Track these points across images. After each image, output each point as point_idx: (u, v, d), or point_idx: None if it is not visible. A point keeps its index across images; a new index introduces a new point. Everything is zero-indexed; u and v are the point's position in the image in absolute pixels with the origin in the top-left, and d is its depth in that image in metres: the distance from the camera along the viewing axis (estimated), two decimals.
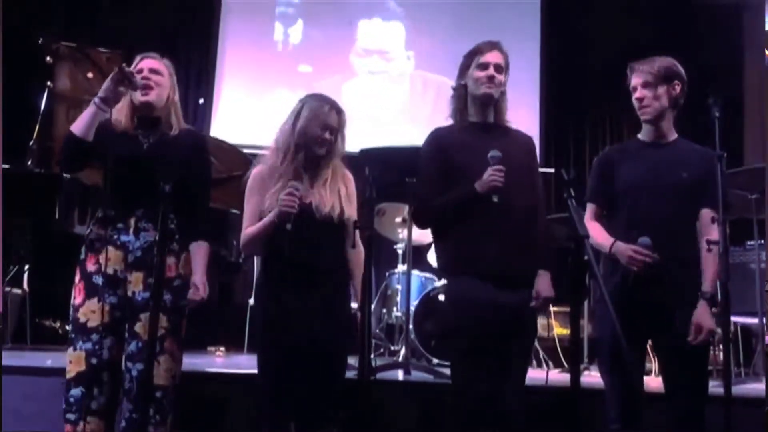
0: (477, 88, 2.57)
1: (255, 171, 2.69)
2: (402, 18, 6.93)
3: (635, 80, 2.65)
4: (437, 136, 2.65)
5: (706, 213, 2.55)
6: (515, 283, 2.48)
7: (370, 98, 6.72)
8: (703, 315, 2.45)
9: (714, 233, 2.47)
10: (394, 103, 6.81)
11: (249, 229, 2.60)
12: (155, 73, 2.57)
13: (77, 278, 2.51)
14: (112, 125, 2.55)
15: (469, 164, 2.47)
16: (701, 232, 2.55)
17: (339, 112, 2.66)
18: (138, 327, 2.44)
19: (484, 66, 2.56)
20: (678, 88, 2.63)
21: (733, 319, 4.33)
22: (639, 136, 2.74)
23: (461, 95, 2.62)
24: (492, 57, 2.58)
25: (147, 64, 2.58)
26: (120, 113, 2.55)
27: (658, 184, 2.57)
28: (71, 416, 2.39)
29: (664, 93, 2.62)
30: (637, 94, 2.65)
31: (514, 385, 2.48)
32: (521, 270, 2.49)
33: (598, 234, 2.61)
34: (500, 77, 2.58)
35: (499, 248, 2.44)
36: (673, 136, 2.69)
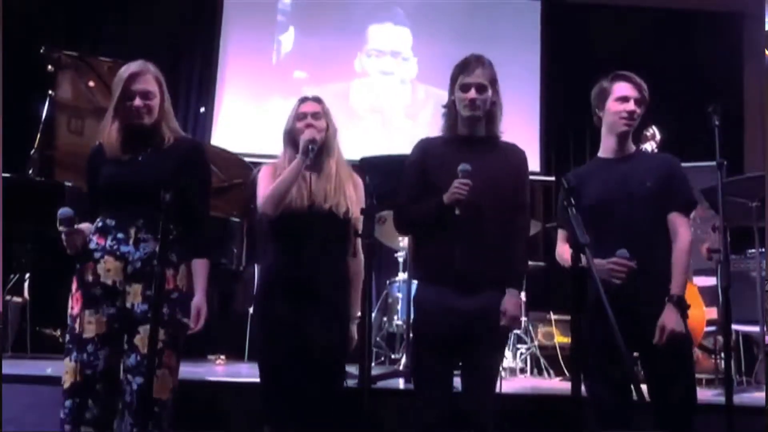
0: (461, 109, 2.57)
1: (264, 168, 2.78)
2: (408, 25, 7.00)
3: (631, 92, 2.64)
4: (421, 146, 2.68)
5: (674, 217, 2.57)
6: (478, 290, 2.48)
7: (375, 99, 6.83)
8: (668, 316, 2.45)
9: (686, 236, 2.52)
10: (399, 105, 6.88)
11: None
12: (147, 97, 2.48)
13: (74, 288, 2.48)
14: (105, 148, 2.53)
15: (442, 176, 2.49)
16: (672, 237, 2.56)
17: (315, 100, 2.76)
18: (137, 340, 2.41)
19: (466, 88, 2.54)
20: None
21: (734, 327, 4.32)
22: (601, 154, 2.75)
23: (451, 111, 2.62)
24: (473, 78, 2.53)
25: (138, 86, 2.47)
26: (112, 143, 2.49)
27: (627, 197, 2.57)
28: (67, 427, 2.38)
29: (642, 112, 2.66)
30: (629, 106, 2.63)
31: (480, 390, 2.48)
32: (486, 278, 2.49)
33: (568, 255, 2.60)
34: (484, 96, 2.54)
35: (462, 258, 2.46)
36: (633, 148, 2.73)
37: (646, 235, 2.55)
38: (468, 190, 2.42)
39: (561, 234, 2.75)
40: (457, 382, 2.56)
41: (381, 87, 6.89)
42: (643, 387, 2.58)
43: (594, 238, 2.55)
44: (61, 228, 2.37)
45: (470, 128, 2.59)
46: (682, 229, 2.55)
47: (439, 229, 2.50)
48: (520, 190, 2.61)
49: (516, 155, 2.65)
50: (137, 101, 2.47)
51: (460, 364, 2.54)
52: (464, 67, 2.57)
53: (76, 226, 2.40)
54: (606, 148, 2.73)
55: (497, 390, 2.61)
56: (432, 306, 2.52)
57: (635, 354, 2.67)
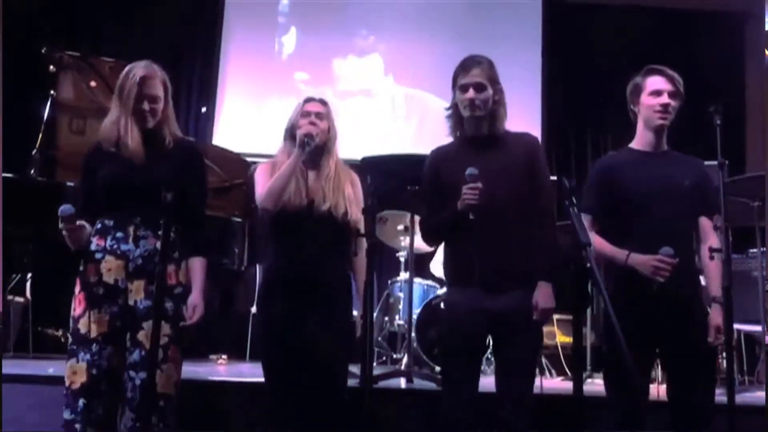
0: (463, 109, 2.58)
1: (261, 165, 2.80)
2: (396, 27, 6.84)
3: (664, 85, 2.63)
4: (433, 156, 2.71)
5: (704, 221, 2.61)
6: (504, 290, 2.48)
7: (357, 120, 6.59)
8: (718, 316, 2.49)
9: (715, 240, 2.52)
10: (380, 123, 6.75)
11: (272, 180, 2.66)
12: (154, 101, 2.51)
13: (77, 289, 2.50)
14: (105, 147, 2.55)
15: (455, 183, 2.50)
16: (701, 239, 2.60)
17: (320, 101, 2.79)
18: (140, 336, 2.43)
19: (464, 88, 2.55)
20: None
21: (736, 326, 4.32)
22: (634, 146, 2.75)
23: (454, 113, 2.63)
24: (471, 77, 2.54)
25: (148, 91, 2.50)
26: (134, 146, 2.51)
27: (665, 193, 2.57)
28: (78, 426, 2.39)
29: (678, 106, 2.65)
30: (663, 100, 2.62)
31: (512, 390, 2.48)
32: (510, 277, 2.50)
33: (604, 246, 2.61)
34: (483, 95, 2.54)
35: (484, 259, 2.47)
36: (666, 146, 2.72)
37: (683, 234, 2.56)
38: (479, 194, 2.42)
39: (585, 219, 2.66)
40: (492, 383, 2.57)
41: (357, 118, 6.63)
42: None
43: (629, 231, 2.56)
44: (62, 225, 2.38)
45: (474, 128, 2.60)
46: (711, 234, 2.59)
47: (459, 235, 2.53)
48: (537, 176, 2.60)
49: (525, 142, 2.65)
50: (145, 105, 2.50)
51: (497, 365, 2.57)
52: (462, 68, 2.59)
53: (77, 222, 2.41)
54: (642, 141, 2.72)
55: (534, 389, 2.60)
56: (459, 308, 2.54)
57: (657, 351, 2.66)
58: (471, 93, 2.53)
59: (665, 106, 2.62)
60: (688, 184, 2.58)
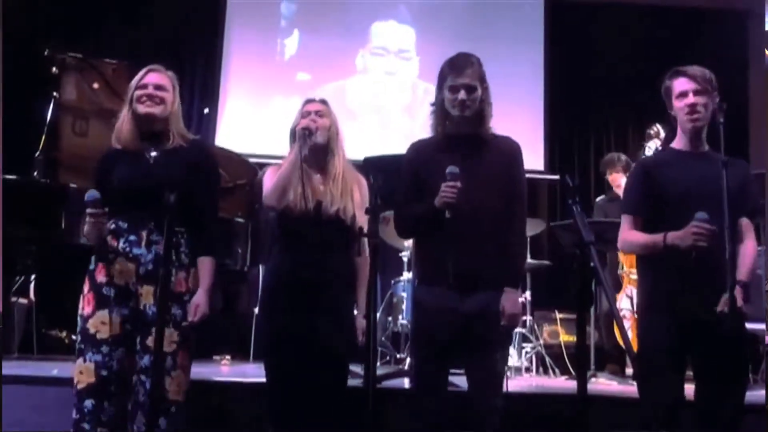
0: (450, 109, 2.56)
1: (269, 168, 2.79)
2: (411, 23, 6.97)
3: (687, 85, 2.61)
4: (413, 149, 2.68)
5: (745, 222, 2.63)
6: (475, 290, 2.48)
7: (373, 98, 6.77)
8: (740, 299, 2.46)
9: (753, 242, 2.62)
10: (399, 104, 6.83)
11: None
12: (160, 89, 2.57)
13: (86, 288, 2.50)
14: (116, 145, 2.59)
15: (433, 178, 2.48)
16: (741, 240, 2.61)
17: (319, 101, 2.78)
18: (150, 341, 2.42)
19: (455, 89, 2.52)
20: (717, 100, 2.62)
21: None
22: (675, 145, 2.72)
23: (439, 110, 2.60)
24: (463, 78, 2.52)
25: (152, 79, 2.58)
26: (123, 131, 2.57)
27: (706, 193, 2.54)
28: (86, 426, 2.39)
29: (711, 102, 2.60)
30: (689, 100, 2.59)
31: (485, 390, 2.47)
32: (482, 278, 2.48)
33: (640, 237, 2.60)
34: (473, 96, 2.52)
35: (457, 259, 2.46)
36: (706, 146, 2.69)
37: (720, 236, 2.51)
38: (457, 193, 2.41)
39: (626, 219, 2.68)
40: (463, 382, 2.56)
41: (381, 86, 6.85)
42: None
43: (665, 231, 2.55)
44: (88, 210, 2.38)
45: (460, 127, 2.58)
46: (750, 233, 2.61)
47: (434, 232, 2.51)
48: (515, 182, 2.59)
49: (507, 147, 2.62)
50: (150, 89, 2.54)
51: (465, 365, 2.54)
52: (452, 66, 2.56)
53: (104, 209, 2.41)
54: (680, 142, 2.71)
55: (503, 390, 2.59)
56: (429, 307, 2.53)
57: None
58: (462, 94, 2.51)
59: (692, 107, 2.59)
60: (731, 185, 2.51)
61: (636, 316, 2.80)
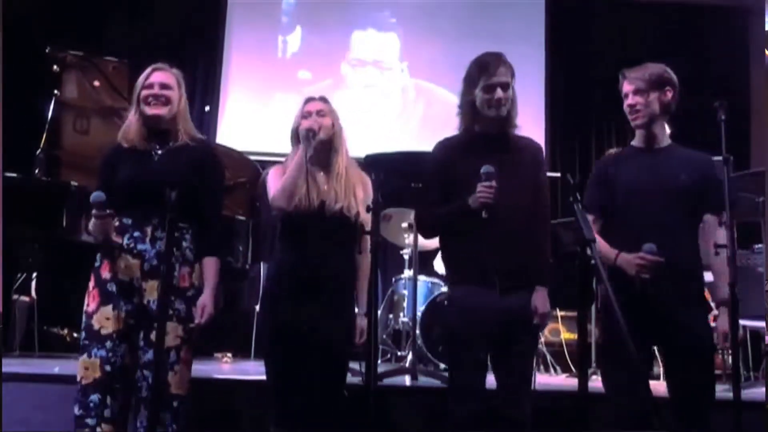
0: (486, 109, 2.54)
1: (272, 168, 2.79)
2: (397, 28, 6.90)
3: (627, 87, 2.67)
4: (442, 147, 2.67)
5: (710, 218, 2.59)
6: (510, 289, 2.49)
7: (362, 110, 6.62)
8: (725, 323, 2.51)
9: (721, 237, 2.51)
10: (386, 115, 6.76)
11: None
12: (166, 87, 2.58)
13: (91, 285, 2.52)
14: (122, 144, 2.59)
15: (467, 178, 2.48)
16: (706, 238, 2.58)
17: (320, 99, 2.77)
18: (154, 336, 2.42)
19: (491, 88, 2.52)
20: (669, 95, 2.65)
21: (742, 322, 4.31)
22: (633, 143, 2.76)
23: (469, 110, 2.59)
24: (499, 77, 2.52)
25: (157, 78, 2.59)
26: (131, 131, 2.59)
27: (657, 189, 2.57)
28: (90, 421, 2.40)
29: (656, 99, 2.63)
30: (629, 101, 2.65)
31: (517, 388, 2.49)
32: (516, 277, 2.50)
33: (603, 245, 2.60)
34: (508, 94, 2.54)
35: (493, 258, 2.47)
36: (667, 141, 2.71)
37: (675, 231, 2.54)
38: (494, 193, 2.41)
39: (588, 218, 2.72)
40: (491, 380, 2.56)
41: (365, 99, 6.73)
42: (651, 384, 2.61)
43: (617, 229, 2.56)
44: (93, 212, 2.39)
45: (490, 127, 2.58)
46: (716, 229, 2.57)
47: (467, 231, 2.50)
48: (539, 181, 2.61)
49: (533, 146, 2.67)
50: (156, 89, 2.55)
51: (495, 362, 2.55)
52: (485, 67, 2.55)
53: (108, 211, 2.42)
54: (637, 139, 2.74)
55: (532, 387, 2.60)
56: (470, 307, 2.50)
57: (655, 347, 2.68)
58: (500, 93, 2.51)
59: (631, 107, 2.65)
60: (686, 178, 2.56)
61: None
